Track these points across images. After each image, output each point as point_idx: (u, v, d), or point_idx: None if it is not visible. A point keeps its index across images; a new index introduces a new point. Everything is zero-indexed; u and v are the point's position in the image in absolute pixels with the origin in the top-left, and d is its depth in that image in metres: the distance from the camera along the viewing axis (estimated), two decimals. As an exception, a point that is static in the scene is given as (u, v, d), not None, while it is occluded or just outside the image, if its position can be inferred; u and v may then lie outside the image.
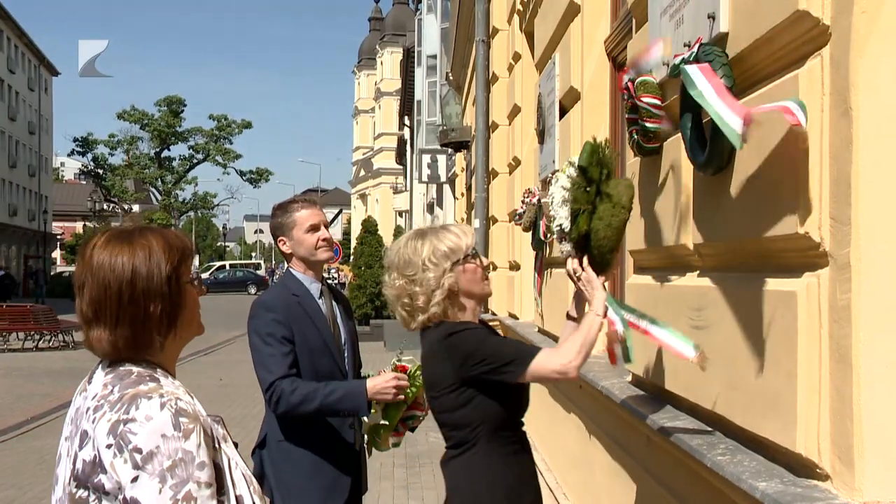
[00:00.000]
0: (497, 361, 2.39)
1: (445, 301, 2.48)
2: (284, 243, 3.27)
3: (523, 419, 2.59)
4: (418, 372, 3.02)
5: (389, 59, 68.39)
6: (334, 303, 3.33)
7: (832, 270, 1.90)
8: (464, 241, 2.52)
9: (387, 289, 2.61)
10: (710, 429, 2.56)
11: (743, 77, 2.32)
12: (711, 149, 2.33)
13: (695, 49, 2.34)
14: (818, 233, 1.94)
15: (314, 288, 3.27)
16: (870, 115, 1.82)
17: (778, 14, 2.06)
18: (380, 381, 3.10)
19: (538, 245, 5.70)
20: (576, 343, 2.41)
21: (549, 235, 5.45)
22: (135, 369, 1.61)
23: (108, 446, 1.50)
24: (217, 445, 1.60)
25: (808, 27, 1.98)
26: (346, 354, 3.27)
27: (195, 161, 62.97)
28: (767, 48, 2.17)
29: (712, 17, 2.41)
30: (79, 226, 65.40)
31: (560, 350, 2.44)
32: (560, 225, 2.69)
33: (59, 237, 62.03)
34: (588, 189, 2.54)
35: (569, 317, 2.78)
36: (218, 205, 70.88)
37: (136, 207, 64.36)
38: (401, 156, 47.39)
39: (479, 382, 2.41)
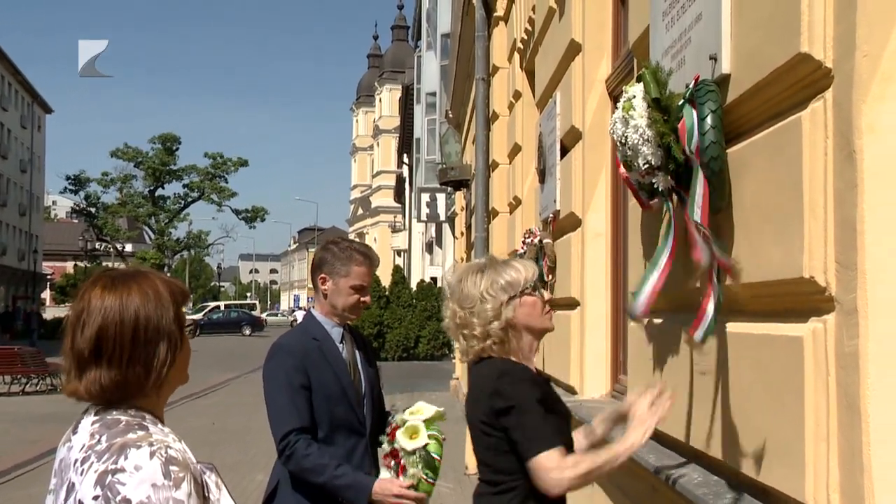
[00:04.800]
0: (521, 428, 2.37)
1: (503, 333, 2.49)
2: (325, 282, 3.22)
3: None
4: (430, 429, 2.97)
5: (388, 97, 69.02)
6: (356, 349, 3.32)
7: (839, 316, 1.91)
8: (523, 275, 2.53)
9: (446, 319, 2.63)
10: (716, 477, 2.54)
11: (746, 119, 2.36)
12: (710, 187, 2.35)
13: (691, 86, 2.38)
14: (824, 277, 1.95)
15: (335, 332, 3.24)
16: (874, 158, 1.84)
17: (780, 56, 2.09)
18: (387, 486, 2.97)
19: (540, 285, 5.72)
20: (584, 467, 2.34)
21: (550, 277, 5.47)
22: (123, 417, 1.60)
23: (95, 498, 1.49)
24: (206, 494, 1.59)
25: (811, 69, 2.01)
26: (364, 402, 3.22)
27: (189, 199, 63.15)
28: (770, 90, 2.20)
29: (714, 59, 2.45)
30: (69, 266, 65.36)
31: (567, 464, 2.35)
32: (648, 161, 2.61)
33: (49, 277, 61.98)
34: (667, 118, 2.51)
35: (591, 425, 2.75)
36: (212, 244, 70.92)
37: (129, 246, 64.46)
38: (399, 194, 47.63)
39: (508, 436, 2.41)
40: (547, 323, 2.58)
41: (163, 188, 62.53)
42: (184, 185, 62.92)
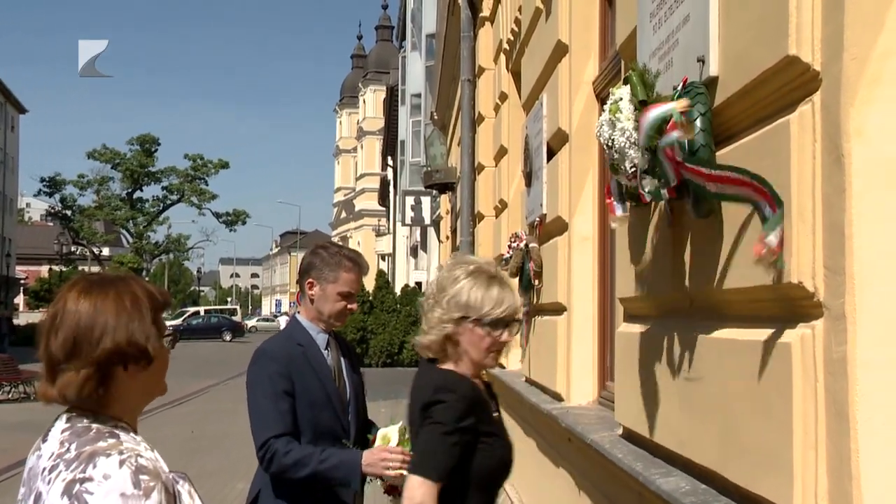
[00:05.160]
0: (422, 445, 2.43)
1: (443, 341, 2.49)
2: (312, 287, 3.22)
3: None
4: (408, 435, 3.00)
5: (372, 98, 69.07)
6: (341, 355, 3.31)
7: (827, 321, 1.92)
8: (496, 309, 2.47)
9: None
10: (703, 485, 2.55)
11: (734, 122, 2.37)
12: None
13: (679, 88, 2.40)
14: (812, 282, 1.96)
15: (321, 338, 3.24)
16: (862, 161, 1.85)
17: (768, 58, 2.11)
18: (375, 453, 3.03)
19: (525, 291, 5.73)
20: None
21: (537, 282, 5.49)
22: (94, 425, 1.59)
23: None
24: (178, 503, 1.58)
25: (799, 72, 2.02)
26: (349, 410, 3.23)
27: (169, 202, 62.98)
28: (758, 93, 2.22)
29: (702, 61, 2.46)
30: (44, 270, 64.87)
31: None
32: (635, 164, 2.62)
33: (22, 282, 61.49)
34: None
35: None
36: (192, 247, 70.73)
37: (106, 250, 64.14)
38: (383, 197, 47.62)
39: None
40: (488, 361, 2.53)
41: (141, 190, 62.37)
42: (163, 188, 62.80)
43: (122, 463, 1.50)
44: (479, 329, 2.46)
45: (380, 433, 3.15)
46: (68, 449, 1.55)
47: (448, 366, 2.52)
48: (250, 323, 65.24)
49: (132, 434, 1.62)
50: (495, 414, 2.59)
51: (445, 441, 2.38)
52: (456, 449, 2.38)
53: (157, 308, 1.66)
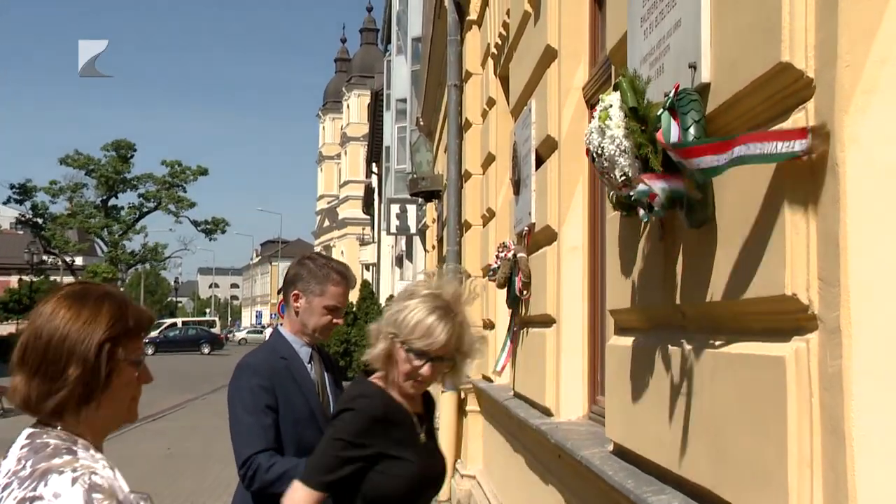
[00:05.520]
0: (317, 450, 2.49)
1: (384, 355, 2.53)
2: (298, 299, 3.22)
3: None
4: None
5: (356, 103, 69.13)
6: (325, 370, 3.31)
7: (821, 335, 1.93)
8: (419, 338, 2.48)
9: None
10: (696, 503, 2.56)
11: (727, 129, 2.38)
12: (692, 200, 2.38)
13: (671, 95, 2.41)
14: (806, 294, 1.97)
15: (304, 352, 3.24)
16: (856, 170, 1.87)
17: (760, 65, 2.12)
18: None
19: (513, 303, 5.73)
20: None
21: (524, 293, 5.49)
22: (52, 441, 1.59)
23: None
24: None
25: (792, 79, 2.04)
26: None
27: (145, 210, 62.67)
28: (750, 100, 2.23)
29: (693, 67, 2.48)
30: (14, 280, 64.35)
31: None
32: (626, 173, 2.62)
33: (-9, 292, 61.00)
34: (645, 128, 2.53)
35: None
36: (169, 257, 70.30)
37: (79, 259, 63.74)
38: (368, 205, 47.54)
39: None
40: (406, 387, 2.55)
41: (116, 198, 62.04)
42: (139, 195, 62.51)
43: (74, 481, 1.50)
44: (402, 352, 2.51)
45: None
46: (24, 466, 1.55)
47: (379, 379, 2.57)
48: (239, 335, 64.88)
49: (92, 451, 1.61)
50: (420, 435, 2.60)
51: (335, 452, 2.43)
52: (345, 463, 2.41)
53: (122, 328, 1.66)
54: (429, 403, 2.74)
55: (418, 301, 2.52)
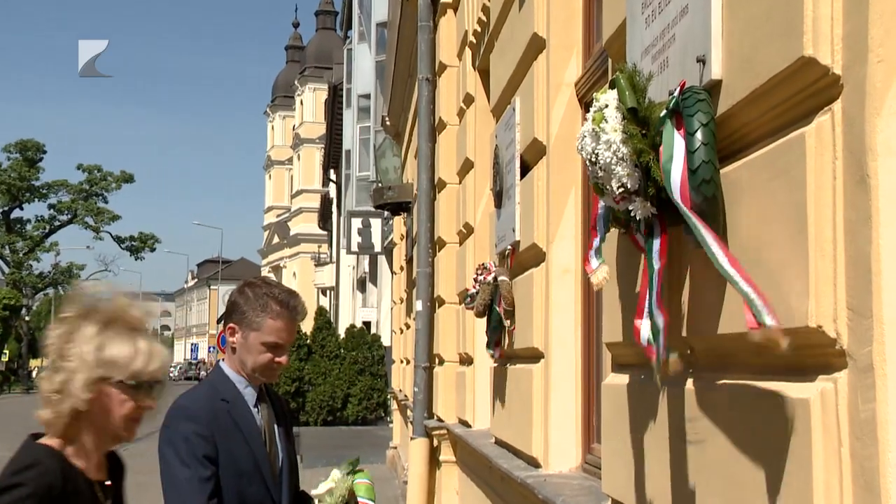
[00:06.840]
0: None
1: (71, 415, 2.32)
2: (234, 333, 3.18)
3: None
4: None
5: (311, 98, 69.21)
6: (273, 413, 3.29)
7: (851, 374, 1.94)
8: (145, 365, 2.36)
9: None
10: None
11: (740, 134, 2.40)
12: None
13: (675, 96, 2.42)
14: (833, 327, 1.98)
15: (248, 393, 3.20)
16: (890, 183, 1.88)
17: (780, 60, 2.14)
18: None
19: (495, 333, 5.73)
20: None
21: (509, 323, 5.49)
22: None
23: None
24: None
25: (816, 77, 2.06)
26: (282, 480, 3.21)
27: (57, 224, 62.19)
28: (768, 100, 2.25)
29: (702, 61, 2.50)
30: None
31: None
32: (624, 184, 2.64)
33: None
34: (646, 133, 2.54)
35: None
36: (87, 279, 69.77)
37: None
38: (325, 219, 47.53)
39: None
40: (125, 435, 2.43)
41: (21, 209, 61.52)
42: (49, 206, 61.97)
43: None
44: (120, 393, 2.36)
45: (323, 486, 3.32)
46: None
47: (56, 443, 2.36)
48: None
49: None
50: None
51: None
52: None
53: None
54: (116, 469, 2.60)
55: (98, 325, 2.35)
